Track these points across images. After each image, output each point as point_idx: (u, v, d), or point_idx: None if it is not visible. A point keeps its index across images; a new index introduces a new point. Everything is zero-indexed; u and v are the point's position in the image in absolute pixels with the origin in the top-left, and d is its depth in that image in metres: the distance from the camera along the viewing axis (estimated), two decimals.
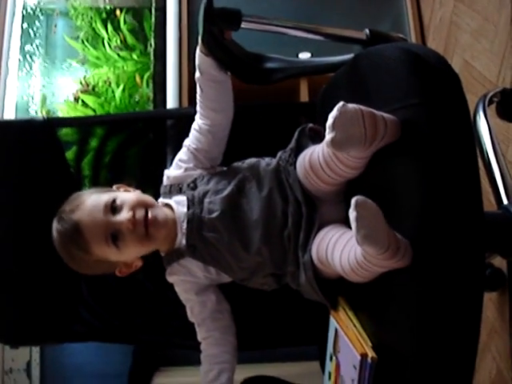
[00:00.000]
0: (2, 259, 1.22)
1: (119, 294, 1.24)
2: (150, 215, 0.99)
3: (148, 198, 1.05)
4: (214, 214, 1.01)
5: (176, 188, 1.08)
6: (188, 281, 1.08)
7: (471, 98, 1.44)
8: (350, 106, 0.80)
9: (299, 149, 1.00)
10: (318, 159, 0.91)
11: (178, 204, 1.06)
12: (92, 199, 1.00)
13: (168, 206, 1.07)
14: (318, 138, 1.01)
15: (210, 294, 1.09)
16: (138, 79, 2.08)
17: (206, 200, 1.02)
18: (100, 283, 1.21)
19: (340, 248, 0.87)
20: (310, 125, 1.04)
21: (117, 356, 1.87)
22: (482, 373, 1.58)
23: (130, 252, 1.02)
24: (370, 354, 0.84)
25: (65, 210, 1.01)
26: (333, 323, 0.97)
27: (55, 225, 1.02)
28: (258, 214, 0.99)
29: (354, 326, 0.92)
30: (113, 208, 0.99)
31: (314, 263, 0.93)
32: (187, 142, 1.11)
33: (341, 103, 0.80)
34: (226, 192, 1.02)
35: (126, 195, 1.03)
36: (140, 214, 0.99)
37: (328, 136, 0.80)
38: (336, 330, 0.96)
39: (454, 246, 0.79)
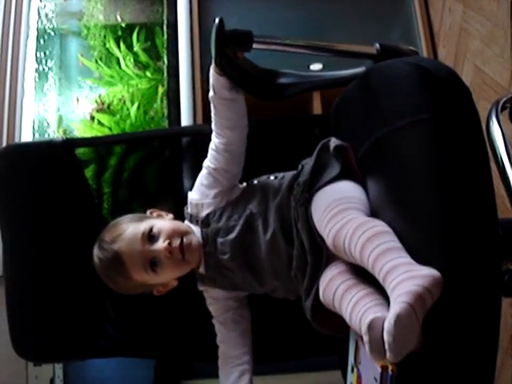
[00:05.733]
0: (28, 278, 1.25)
1: (142, 309, 1.26)
2: (185, 241, 1.06)
3: (182, 226, 1.10)
4: (226, 256, 1.07)
5: (194, 219, 1.12)
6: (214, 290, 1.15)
7: (483, 105, 1.44)
8: (404, 311, 0.73)
9: (319, 170, 0.99)
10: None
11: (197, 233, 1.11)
12: (131, 229, 1.06)
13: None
14: (341, 156, 1.00)
15: (233, 301, 1.15)
16: (160, 89, 2.10)
17: (219, 240, 1.08)
18: (123, 300, 1.23)
19: (348, 307, 0.86)
20: (334, 143, 1.01)
21: (139, 370, 1.87)
22: (503, 379, 1.57)
23: (167, 276, 1.09)
24: (391, 366, 0.84)
25: (105, 240, 1.07)
26: (353, 334, 0.98)
27: (96, 252, 1.09)
28: (265, 254, 1.04)
29: None
30: (150, 236, 1.05)
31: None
32: (206, 162, 1.12)
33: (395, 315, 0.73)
34: (234, 233, 1.06)
35: (162, 223, 1.08)
36: (176, 242, 1.05)
37: (388, 355, 0.76)
38: (356, 342, 0.96)
39: (470, 255, 0.80)
